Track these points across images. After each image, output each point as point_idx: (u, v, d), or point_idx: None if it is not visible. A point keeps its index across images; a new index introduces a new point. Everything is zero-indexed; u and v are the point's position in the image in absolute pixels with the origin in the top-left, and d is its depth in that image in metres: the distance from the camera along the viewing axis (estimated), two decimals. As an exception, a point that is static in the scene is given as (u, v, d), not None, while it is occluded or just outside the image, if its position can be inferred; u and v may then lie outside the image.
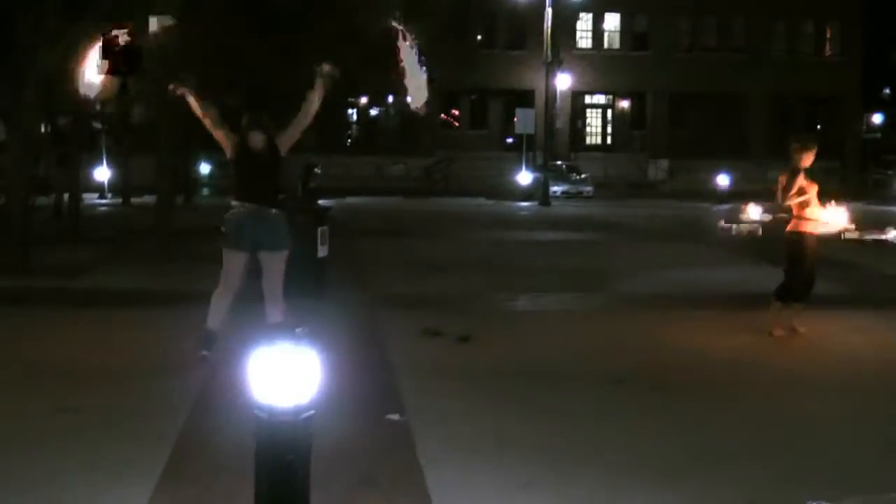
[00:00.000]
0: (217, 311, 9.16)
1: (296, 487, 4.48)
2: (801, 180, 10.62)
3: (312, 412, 4.43)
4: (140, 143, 32.74)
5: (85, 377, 8.56)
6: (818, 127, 56.97)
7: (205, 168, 45.02)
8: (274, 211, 9.11)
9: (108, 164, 36.43)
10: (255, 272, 9.35)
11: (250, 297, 9.48)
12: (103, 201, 34.38)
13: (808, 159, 10.68)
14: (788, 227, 10.85)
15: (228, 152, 9.24)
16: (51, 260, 16.01)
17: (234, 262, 9.11)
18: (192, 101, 9.28)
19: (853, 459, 6.76)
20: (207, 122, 9.30)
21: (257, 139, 9.08)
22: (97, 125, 34.46)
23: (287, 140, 9.23)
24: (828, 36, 59.17)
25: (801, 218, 10.72)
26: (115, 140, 34.99)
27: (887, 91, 70.95)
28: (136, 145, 33.18)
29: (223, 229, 9.14)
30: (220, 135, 9.29)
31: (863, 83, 58.20)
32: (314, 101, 9.22)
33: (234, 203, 9.16)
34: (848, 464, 6.65)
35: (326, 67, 9.07)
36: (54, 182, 26.33)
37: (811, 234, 10.76)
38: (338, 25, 18.41)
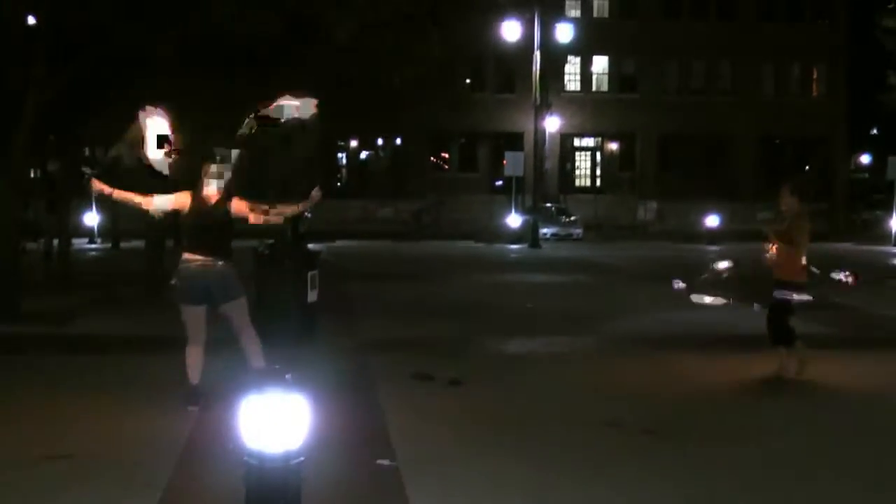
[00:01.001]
0: (193, 366, 9.15)
1: (286, 535, 4.46)
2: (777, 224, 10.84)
3: (302, 458, 4.42)
4: (129, 187, 32.72)
5: (74, 424, 8.53)
6: (806, 168, 57.27)
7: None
8: (221, 264, 9.01)
9: (97, 208, 36.37)
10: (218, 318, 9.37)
11: (232, 342, 9.47)
12: (93, 246, 34.34)
13: (782, 202, 10.86)
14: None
15: (180, 207, 9.22)
16: (40, 306, 15.96)
17: (191, 316, 9.10)
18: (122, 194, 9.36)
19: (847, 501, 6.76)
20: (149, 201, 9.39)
21: (213, 189, 9.11)
22: (87, 170, 34.48)
23: (241, 208, 9.18)
24: (814, 77, 59.58)
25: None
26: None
27: (874, 131, 71.35)
28: (125, 189, 33.15)
29: (174, 283, 9.14)
30: (171, 200, 9.32)
31: (850, 124, 58.50)
32: (285, 214, 9.51)
33: (183, 256, 9.11)
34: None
35: (316, 195, 9.28)
36: (44, 227, 26.32)
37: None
38: (323, 72, 18.47)
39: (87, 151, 27.37)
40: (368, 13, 16.47)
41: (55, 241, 23.54)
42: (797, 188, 10.92)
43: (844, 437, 8.58)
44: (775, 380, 10.75)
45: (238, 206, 9.14)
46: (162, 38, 15.20)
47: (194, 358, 9.12)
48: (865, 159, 75.74)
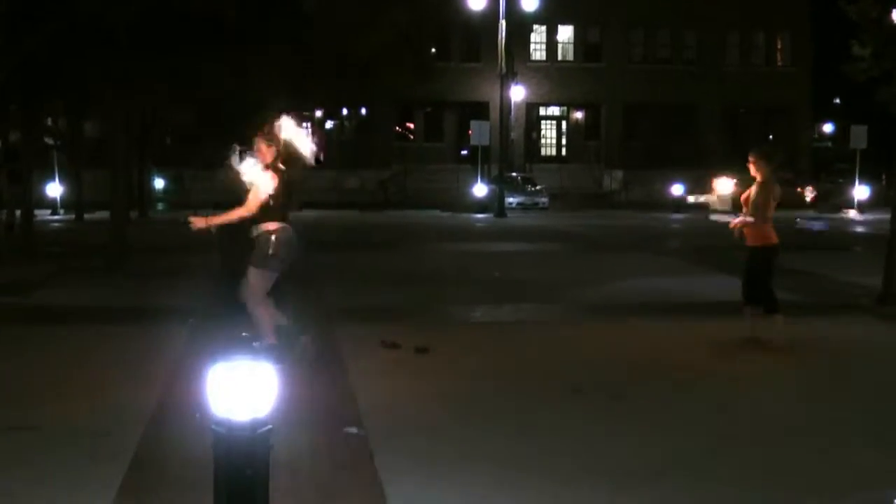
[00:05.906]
0: (272, 325, 9.44)
1: (254, 502, 4.44)
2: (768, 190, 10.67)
3: (270, 426, 4.40)
4: (93, 158, 32.55)
5: (39, 395, 8.46)
6: (770, 137, 57.52)
7: (159, 182, 44.81)
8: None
9: (60, 179, 36.10)
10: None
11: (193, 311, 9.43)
12: (56, 217, 34.09)
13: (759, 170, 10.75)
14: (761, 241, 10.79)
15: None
16: (2, 277, 15.83)
17: (271, 280, 9.68)
18: None
19: (808, 465, 6.81)
20: None
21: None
22: (49, 141, 34.17)
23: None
24: (779, 47, 59.83)
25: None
26: (68, 156, 34.71)
27: (837, 101, 71.72)
28: (88, 160, 32.98)
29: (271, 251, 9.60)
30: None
31: (813, 93, 58.80)
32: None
33: (278, 226, 9.79)
34: (804, 469, 6.70)
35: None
36: (6, 198, 26.09)
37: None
38: (291, 43, 18.35)
39: (49, 122, 27.13)
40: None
41: (17, 213, 23.33)
42: (764, 154, 10.87)
43: (810, 398, 8.64)
44: (749, 343, 10.79)
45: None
46: (122, 11, 15.01)
47: (273, 317, 9.45)
48: (828, 129, 76.16)
